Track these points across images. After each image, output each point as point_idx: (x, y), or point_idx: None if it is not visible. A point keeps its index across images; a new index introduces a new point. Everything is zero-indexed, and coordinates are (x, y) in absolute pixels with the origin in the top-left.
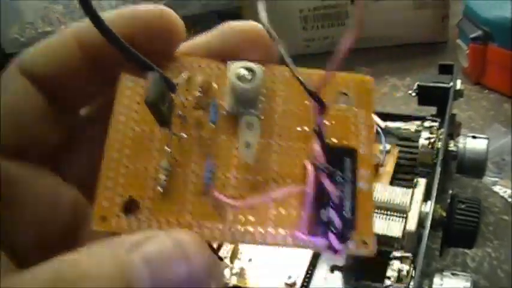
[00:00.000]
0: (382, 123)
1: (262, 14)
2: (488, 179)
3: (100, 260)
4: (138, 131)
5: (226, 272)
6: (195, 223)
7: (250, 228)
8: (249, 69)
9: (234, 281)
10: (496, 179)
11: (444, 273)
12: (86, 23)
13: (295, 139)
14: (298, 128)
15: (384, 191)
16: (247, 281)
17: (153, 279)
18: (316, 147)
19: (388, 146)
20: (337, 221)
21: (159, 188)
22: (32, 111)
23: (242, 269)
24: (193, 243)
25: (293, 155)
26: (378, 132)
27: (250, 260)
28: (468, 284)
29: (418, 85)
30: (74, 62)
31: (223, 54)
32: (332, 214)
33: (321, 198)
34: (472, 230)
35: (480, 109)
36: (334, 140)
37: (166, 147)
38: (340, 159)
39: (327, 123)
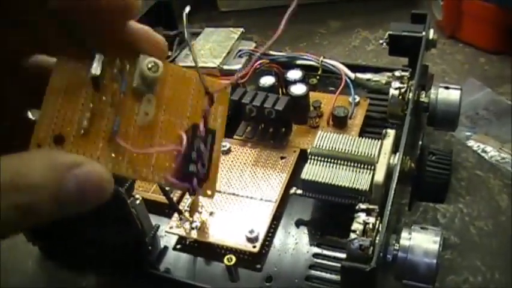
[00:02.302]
0: (352, 74)
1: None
2: (461, 133)
3: (41, 171)
4: (72, 84)
5: (186, 226)
6: (102, 159)
7: (139, 167)
8: (156, 63)
9: (194, 235)
10: (470, 134)
11: (413, 227)
12: None
13: (178, 116)
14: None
15: (351, 143)
16: (208, 235)
17: (78, 195)
18: (201, 125)
19: (357, 98)
20: (197, 172)
21: (81, 130)
22: None
23: (203, 223)
24: (106, 174)
25: (174, 125)
26: (347, 83)
27: (211, 213)
28: (437, 238)
29: (389, 34)
30: None
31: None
32: (194, 168)
33: (188, 158)
34: (443, 183)
35: (454, 63)
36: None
37: (90, 104)
38: (206, 136)
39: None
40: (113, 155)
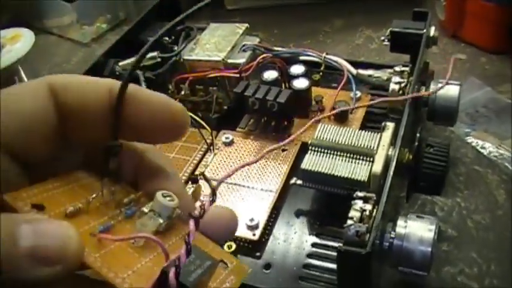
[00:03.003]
0: (354, 70)
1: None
2: (461, 129)
3: None
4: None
5: None
6: None
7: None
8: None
9: None
10: (469, 130)
11: (409, 215)
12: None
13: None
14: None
15: (351, 135)
16: None
17: (33, 251)
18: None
19: (358, 93)
20: None
21: (66, 211)
22: None
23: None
24: (71, 232)
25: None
26: (349, 79)
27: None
28: (433, 227)
29: (390, 31)
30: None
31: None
32: None
33: None
34: (440, 174)
35: (456, 62)
36: None
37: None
38: None
39: None
40: (89, 242)
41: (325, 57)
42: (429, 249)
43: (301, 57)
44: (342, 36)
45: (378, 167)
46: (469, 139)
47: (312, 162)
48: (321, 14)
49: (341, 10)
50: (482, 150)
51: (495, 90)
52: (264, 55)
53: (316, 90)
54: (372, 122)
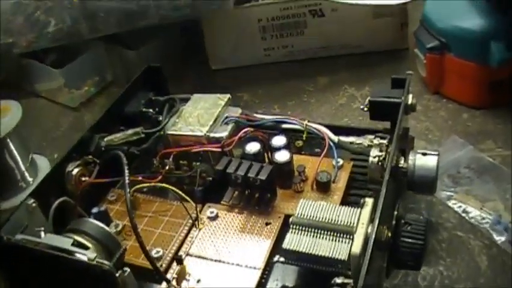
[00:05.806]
0: (335, 138)
1: None
2: (442, 193)
3: None
4: None
5: None
6: None
7: None
8: None
9: None
10: (451, 194)
11: None
12: None
13: None
14: None
15: (332, 211)
16: None
17: None
18: None
19: (340, 161)
20: None
21: None
22: None
23: None
24: None
25: None
26: (330, 146)
27: (198, 281)
28: None
29: (369, 101)
30: None
31: None
32: None
33: None
34: (418, 253)
35: (438, 119)
36: None
37: None
38: None
39: None
40: None
41: (306, 124)
42: None
43: (284, 126)
44: (325, 96)
45: (356, 248)
46: (451, 202)
47: (293, 241)
48: (305, 71)
49: (324, 66)
50: (464, 215)
51: (477, 149)
52: (246, 129)
53: (298, 159)
54: (355, 189)
